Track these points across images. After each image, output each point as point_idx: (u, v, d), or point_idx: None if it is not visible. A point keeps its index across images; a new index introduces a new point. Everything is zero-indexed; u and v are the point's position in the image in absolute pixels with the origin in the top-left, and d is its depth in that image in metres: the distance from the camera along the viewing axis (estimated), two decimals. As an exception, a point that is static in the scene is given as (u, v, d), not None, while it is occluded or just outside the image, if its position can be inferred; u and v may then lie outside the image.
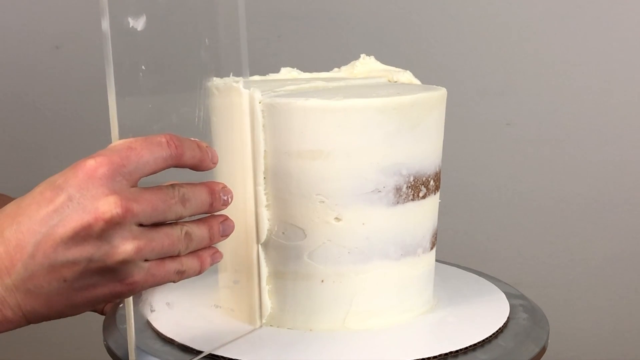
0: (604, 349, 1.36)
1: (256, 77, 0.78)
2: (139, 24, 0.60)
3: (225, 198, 0.61)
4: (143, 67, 0.61)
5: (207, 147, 0.60)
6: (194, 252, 0.59)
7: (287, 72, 0.82)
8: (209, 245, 0.61)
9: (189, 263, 0.59)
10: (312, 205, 0.67)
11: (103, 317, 0.77)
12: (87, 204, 0.53)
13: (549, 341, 0.70)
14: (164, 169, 0.57)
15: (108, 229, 0.53)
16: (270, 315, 0.70)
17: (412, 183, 0.69)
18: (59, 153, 1.37)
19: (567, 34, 1.28)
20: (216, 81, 0.69)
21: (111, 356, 0.69)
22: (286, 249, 0.68)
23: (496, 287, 0.80)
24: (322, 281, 0.68)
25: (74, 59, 1.35)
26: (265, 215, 0.68)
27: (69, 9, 1.33)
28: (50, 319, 0.57)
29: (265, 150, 0.67)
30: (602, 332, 1.35)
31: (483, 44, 1.30)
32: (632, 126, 1.29)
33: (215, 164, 0.60)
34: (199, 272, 0.60)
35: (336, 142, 0.66)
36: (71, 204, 0.53)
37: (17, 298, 0.55)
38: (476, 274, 0.85)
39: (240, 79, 0.68)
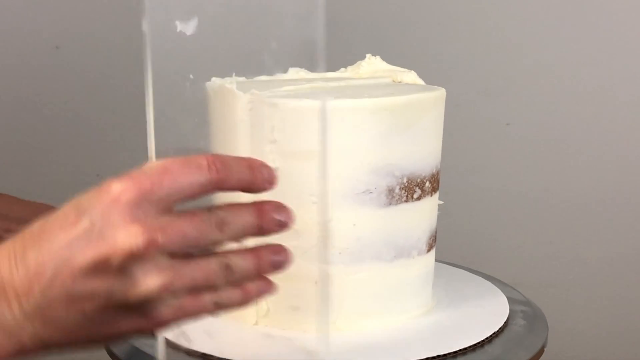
0: (604, 349, 1.35)
1: (263, 77, 0.78)
2: (189, 27, 0.54)
3: (281, 219, 0.52)
4: (191, 75, 0.55)
5: (261, 165, 0.51)
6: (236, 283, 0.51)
7: (295, 72, 0.81)
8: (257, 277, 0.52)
9: (229, 294, 0.51)
10: (305, 205, 0.66)
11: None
12: (107, 232, 0.47)
13: (547, 342, 0.70)
14: (201, 195, 0.49)
15: (128, 261, 0.47)
16: (263, 315, 0.69)
17: (406, 184, 0.68)
18: (59, 153, 1.37)
19: (567, 34, 1.27)
20: (210, 83, 0.68)
21: (110, 356, 0.68)
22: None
23: (498, 290, 0.79)
24: (315, 282, 0.68)
25: (74, 59, 1.35)
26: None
27: (69, 9, 1.33)
28: (69, 351, 0.52)
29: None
30: (602, 332, 1.35)
31: (483, 44, 1.30)
32: (632, 126, 1.29)
33: (271, 184, 0.51)
34: (241, 305, 0.52)
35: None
36: (92, 230, 0.47)
37: (34, 325, 0.49)
38: (476, 274, 0.84)
39: (234, 80, 0.67)
